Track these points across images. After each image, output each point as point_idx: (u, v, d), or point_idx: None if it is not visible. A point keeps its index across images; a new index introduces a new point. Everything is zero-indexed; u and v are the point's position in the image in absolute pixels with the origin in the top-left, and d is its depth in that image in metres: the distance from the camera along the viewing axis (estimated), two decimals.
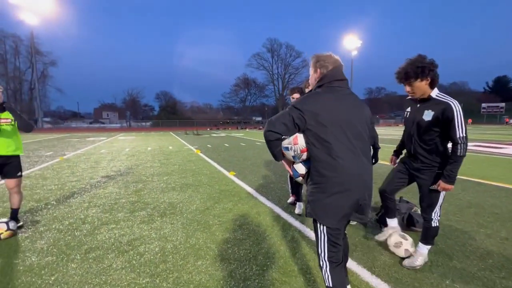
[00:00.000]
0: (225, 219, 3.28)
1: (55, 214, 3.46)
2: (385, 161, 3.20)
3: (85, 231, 2.92)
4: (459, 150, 1.90)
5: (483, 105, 57.67)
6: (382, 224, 2.88)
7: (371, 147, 1.86)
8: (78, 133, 27.64)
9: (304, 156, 1.55)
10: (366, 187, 1.49)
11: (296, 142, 1.53)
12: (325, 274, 1.52)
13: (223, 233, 2.86)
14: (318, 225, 1.51)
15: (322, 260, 1.52)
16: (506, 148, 10.72)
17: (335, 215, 1.46)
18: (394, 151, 2.56)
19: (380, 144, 2.27)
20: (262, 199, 4.11)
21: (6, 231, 2.69)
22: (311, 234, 2.79)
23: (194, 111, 66.67)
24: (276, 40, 63.58)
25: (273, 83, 65.22)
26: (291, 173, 1.67)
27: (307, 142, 1.51)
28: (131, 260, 2.32)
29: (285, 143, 1.57)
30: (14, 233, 2.78)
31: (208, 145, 13.05)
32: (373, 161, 2.48)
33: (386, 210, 2.50)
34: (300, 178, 1.65)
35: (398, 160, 2.47)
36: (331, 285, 1.49)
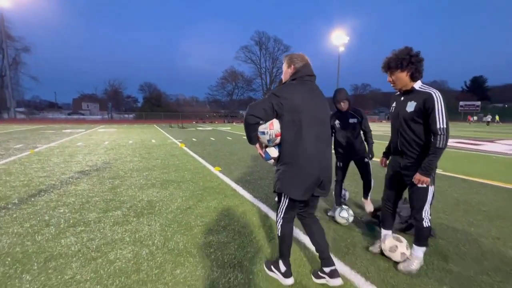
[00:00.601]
0: (209, 219, 3.04)
1: (15, 215, 3.07)
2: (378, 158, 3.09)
3: (47, 235, 2.58)
4: (438, 142, 1.82)
5: (461, 103, 60.20)
6: (380, 223, 2.72)
7: (365, 141, 2.49)
8: (54, 125, 26.12)
9: (278, 140, 1.77)
10: (326, 167, 1.79)
11: (272, 127, 1.74)
12: (279, 227, 1.90)
13: (206, 236, 2.62)
14: (283, 196, 1.83)
15: (279, 218, 1.90)
16: (484, 145, 11.12)
17: (300, 189, 1.74)
18: (384, 152, 2.44)
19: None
20: (248, 196, 3.90)
21: None
22: (302, 237, 2.61)
23: (180, 104, 65.03)
24: (264, 33, 62.86)
25: (260, 76, 64.72)
26: (263, 156, 1.87)
27: (281, 127, 1.74)
28: (99, 270, 2.03)
29: (261, 128, 1.78)
30: None
31: (193, 139, 12.63)
32: (370, 156, 3.21)
33: (383, 219, 2.37)
34: (272, 160, 1.87)
35: (388, 162, 2.34)
36: (280, 235, 1.91)
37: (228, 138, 13.53)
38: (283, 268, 1.92)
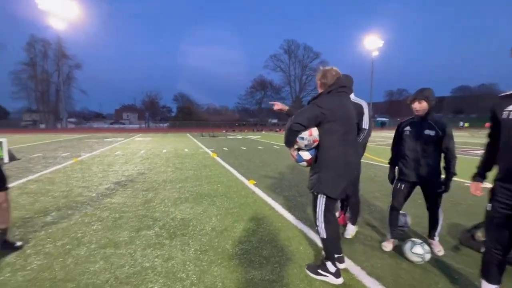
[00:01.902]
0: (248, 246, 2.63)
1: (50, 231, 2.97)
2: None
3: (77, 258, 2.39)
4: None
5: None
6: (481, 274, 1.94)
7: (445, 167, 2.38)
8: (98, 134, 28.26)
9: (314, 145, 2.00)
10: (356, 168, 2.15)
11: (311, 134, 1.96)
12: (320, 228, 2.03)
13: (247, 270, 2.22)
14: (319, 197, 2.00)
15: (319, 222, 2.03)
16: None
17: (338, 189, 1.95)
18: (477, 173, 1.86)
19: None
20: (289, 217, 3.43)
21: None
22: (363, 278, 2.08)
23: (210, 112, 67.03)
24: (293, 41, 62.64)
25: (289, 84, 64.24)
26: (295, 158, 2.08)
27: (320, 134, 1.96)
28: None
29: (301, 134, 1.97)
30: None
31: (225, 148, 12.53)
32: (443, 188, 2.45)
33: (488, 268, 1.72)
34: (304, 163, 2.06)
35: (493, 190, 1.66)
36: (325, 237, 2.03)
37: (259, 147, 13.21)
38: (332, 268, 2.03)
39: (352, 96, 2.61)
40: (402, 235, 2.82)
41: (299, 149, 2.07)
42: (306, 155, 2.04)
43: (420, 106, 2.38)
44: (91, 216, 3.45)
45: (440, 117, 2.43)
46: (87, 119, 70.93)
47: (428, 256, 2.31)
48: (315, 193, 2.02)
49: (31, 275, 2.12)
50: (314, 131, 1.96)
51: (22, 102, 49.27)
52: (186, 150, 11.63)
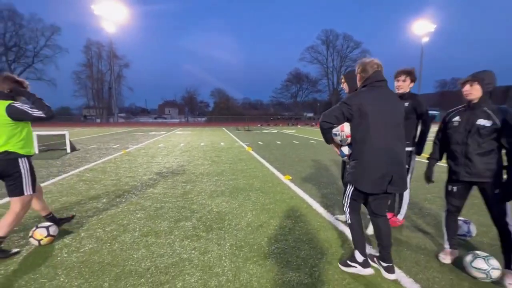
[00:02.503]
0: (285, 245, 2.52)
1: (101, 216, 3.23)
2: None
3: (123, 244, 2.53)
4: None
5: None
6: None
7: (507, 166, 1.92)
8: (144, 127, 30.61)
9: (349, 140, 2.07)
10: (395, 162, 1.95)
11: (343, 130, 2.06)
12: (347, 213, 2.13)
13: (283, 271, 2.11)
14: (349, 186, 2.08)
15: (346, 207, 2.14)
16: None
17: (367, 182, 1.95)
18: None
19: None
20: (329, 217, 3.23)
21: (46, 237, 2.46)
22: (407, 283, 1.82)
23: (246, 107, 67.87)
24: (332, 31, 59.66)
25: (327, 76, 61.62)
26: (339, 153, 2.21)
27: (351, 129, 2.02)
28: None
29: (334, 130, 2.11)
30: (54, 239, 2.55)
31: (260, 142, 12.52)
32: (502, 193, 2.01)
33: None
34: (346, 157, 2.17)
35: None
36: (349, 222, 2.13)
37: (294, 142, 12.92)
38: (360, 258, 2.06)
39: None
40: (464, 246, 2.44)
41: (341, 145, 2.17)
42: (347, 150, 2.14)
43: (471, 90, 1.99)
44: (136, 204, 3.67)
45: (501, 107, 1.97)
46: (135, 114, 77.41)
47: (495, 273, 1.94)
48: (348, 183, 2.10)
49: (83, 257, 2.30)
50: (346, 127, 2.05)
51: (82, 100, 55.74)
52: (222, 143, 11.90)
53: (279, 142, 12.56)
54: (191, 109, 67.14)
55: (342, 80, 2.72)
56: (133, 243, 2.56)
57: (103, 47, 50.63)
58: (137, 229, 2.87)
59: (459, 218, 2.39)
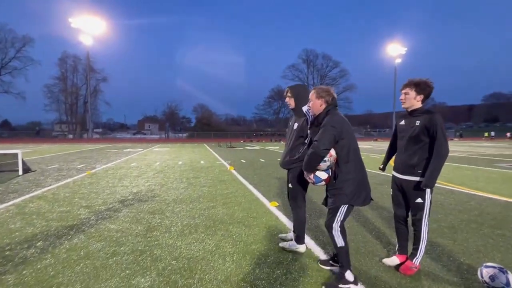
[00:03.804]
0: None
1: (24, 272, 2.35)
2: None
3: None
4: None
5: None
6: None
7: None
8: (119, 144, 28.86)
9: (333, 164, 2.15)
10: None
11: (331, 155, 2.10)
12: (338, 237, 2.15)
13: None
14: (341, 207, 2.14)
15: (336, 231, 2.15)
16: None
17: (362, 197, 2.15)
18: None
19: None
20: (323, 256, 2.58)
21: None
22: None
23: (228, 123, 67.36)
24: (312, 51, 62.10)
25: None
26: (313, 181, 2.19)
27: (338, 151, 2.12)
28: None
29: None
30: None
31: (242, 160, 11.84)
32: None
33: None
34: (323, 183, 2.19)
35: None
36: (343, 244, 2.16)
37: (278, 159, 12.36)
38: (351, 277, 2.13)
39: (305, 108, 2.61)
40: None
41: (315, 170, 2.14)
42: (323, 174, 2.14)
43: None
44: (80, 249, 2.82)
45: None
46: (112, 130, 74.05)
47: None
48: (337, 206, 2.13)
49: None
50: (333, 151, 2.10)
51: (53, 114, 52.38)
52: (202, 162, 11.08)
53: (263, 160, 11.96)
54: (172, 124, 65.38)
55: (289, 94, 2.72)
56: None
57: (80, 60, 48.76)
58: None
59: (492, 265, 1.94)
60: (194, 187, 5.96)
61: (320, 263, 2.49)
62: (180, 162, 10.85)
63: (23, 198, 4.96)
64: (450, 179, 6.90)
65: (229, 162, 11.07)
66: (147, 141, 37.80)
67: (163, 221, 3.74)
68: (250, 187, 6.05)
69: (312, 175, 2.15)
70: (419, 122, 2.26)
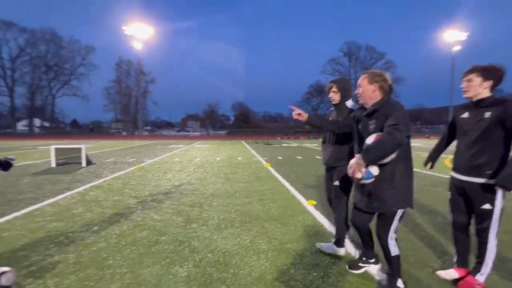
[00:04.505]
0: None
1: (82, 253, 2.64)
2: None
3: None
4: None
5: None
6: None
7: None
8: (165, 140, 31.13)
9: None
10: None
11: None
12: (393, 246, 1.95)
13: None
14: (400, 212, 1.89)
15: (391, 239, 1.94)
16: None
17: (412, 199, 1.92)
18: None
19: None
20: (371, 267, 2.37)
21: None
22: None
23: (266, 120, 67.61)
24: (354, 43, 58.56)
25: None
26: (362, 176, 1.78)
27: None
28: None
29: None
30: None
31: (279, 157, 11.74)
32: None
33: None
34: (372, 179, 1.82)
35: None
36: (398, 253, 1.96)
37: (317, 157, 11.97)
38: (402, 284, 1.97)
39: (350, 103, 2.52)
40: None
41: (367, 165, 1.79)
42: (376, 170, 1.82)
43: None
44: (128, 236, 3.07)
45: None
46: (159, 127, 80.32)
47: None
48: (396, 210, 1.87)
49: None
50: None
51: (111, 114, 58.98)
52: (239, 158, 11.29)
53: (300, 157, 11.70)
54: (212, 122, 68.20)
55: (334, 89, 2.53)
56: None
57: (132, 64, 53.76)
58: (117, 278, 2.22)
59: None
60: (231, 183, 6.08)
61: (350, 268, 2.28)
62: (218, 158, 11.22)
63: (84, 187, 5.64)
64: None
65: (266, 159, 11.07)
66: (189, 138, 40.04)
67: (201, 214, 3.88)
68: (287, 184, 5.94)
69: (364, 169, 1.78)
70: (490, 113, 1.90)
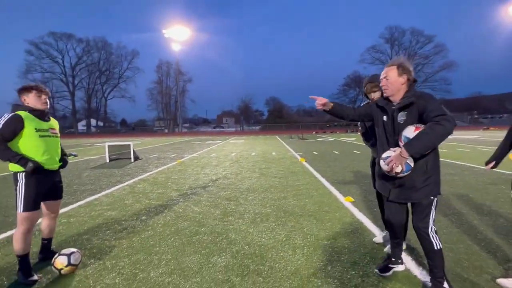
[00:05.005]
0: None
1: (133, 239, 2.94)
2: None
3: (142, 285, 2.10)
4: None
5: None
6: None
7: None
8: (202, 136, 32.57)
9: None
10: None
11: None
12: (436, 238, 1.85)
13: None
14: (435, 200, 1.85)
15: (432, 231, 1.85)
16: None
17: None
18: None
19: None
20: (415, 269, 2.21)
21: (66, 266, 2.21)
22: None
23: (300, 114, 66.31)
24: (397, 28, 53.85)
25: None
26: (403, 168, 1.74)
27: None
28: None
29: (408, 135, 1.79)
30: (76, 268, 2.30)
31: (314, 152, 11.47)
32: None
33: None
34: (410, 171, 1.78)
35: None
36: (441, 246, 1.84)
37: (355, 151, 11.41)
38: (447, 285, 1.85)
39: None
40: None
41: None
42: (412, 161, 1.77)
43: None
44: (172, 226, 3.32)
45: None
46: (197, 124, 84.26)
47: None
48: (432, 198, 1.84)
49: None
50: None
51: (154, 112, 63.69)
52: (273, 153, 11.31)
53: (336, 152, 11.28)
54: (246, 118, 69.20)
55: (375, 89, 2.45)
56: (155, 284, 2.11)
57: (171, 65, 57.12)
58: (163, 263, 2.43)
59: None
60: (266, 177, 6.15)
61: (380, 271, 2.13)
62: (253, 153, 11.39)
63: (133, 180, 6.22)
64: None
65: (300, 154, 10.91)
66: (225, 134, 41.29)
67: (237, 207, 4.00)
68: (323, 180, 5.79)
69: (404, 162, 1.74)
70: None
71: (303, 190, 4.95)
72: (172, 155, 11.39)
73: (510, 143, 2.10)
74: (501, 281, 1.99)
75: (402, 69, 1.84)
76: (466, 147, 11.09)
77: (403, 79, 1.84)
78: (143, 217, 3.65)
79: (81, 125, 61.68)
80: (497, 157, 2.17)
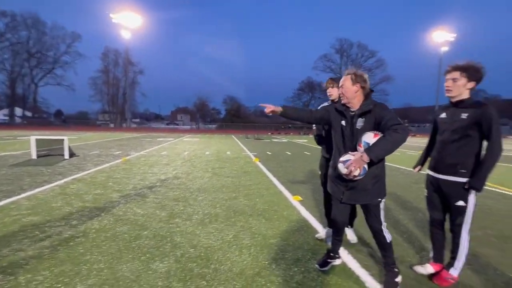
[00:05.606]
0: None
1: (58, 248, 2.55)
2: None
3: None
4: None
5: None
6: None
7: None
8: (154, 133, 30.55)
9: None
10: None
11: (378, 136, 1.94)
12: (387, 233, 2.07)
13: None
14: (382, 202, 2.04)
15: (384, 226, 2.06)
16: None
17: None
18: None
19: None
20: (353, 264, 2.40)
21: None
22: None
23: (257, 115, 67.40)
24: (346, 40, 58.87)
25: None
26: (360, 171, 1.85)
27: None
28: None
29: (368, 140, 1.92)
30: None
31: (268, 152, 11.75)
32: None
33: None
34: (364, 175, 1.90)
35: None
36: (391, 239, 2.10)
37: (306, 153, 12.07)
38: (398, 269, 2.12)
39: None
40: None
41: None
42: (367, 165, 1.87)
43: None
44: (108, 231, 2.98)
45: None
46: (148, 120, 78.78)
47: None
48: (380, 200, 2.02)
49: None
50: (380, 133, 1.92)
51: (97, 104, 57.25)
52: (228, 153, 11.23)
53: (289, 153, 11.75)
54: (202, 115, 67.37)
55: (330, 85, 2.66)
56: None
57: (120, 54, 52.11)
58: (93, 274, 2.16)
59: None
60: (218, 177, 6.04)
61: (320, 266, 2.27)
62: (207, 152, 11.11)
63: (65, 180, 5.45)
64: (501, 182, 6.08)
65: (255, 154, 11.06)
66: (179, 132, 39.48)
67: (185, 208, 3.82)
68: (274, 179, 5.95)
69: (363, 165, 1.84)
70: (467, 115, 1.94)
71: (254, 189, 5.00)
72: (117, 152, 10.38)
73: (432, 147, 2.41)
74: (416, 267, 2.29)
75: (355, 78, 1.97)
76: (397, 151, 12.76)
77: (356, 87, 1.97)
78: (74, 222, 3.21)
79: (1, 114, 51.90)
80: (422, 162, 2.50)
